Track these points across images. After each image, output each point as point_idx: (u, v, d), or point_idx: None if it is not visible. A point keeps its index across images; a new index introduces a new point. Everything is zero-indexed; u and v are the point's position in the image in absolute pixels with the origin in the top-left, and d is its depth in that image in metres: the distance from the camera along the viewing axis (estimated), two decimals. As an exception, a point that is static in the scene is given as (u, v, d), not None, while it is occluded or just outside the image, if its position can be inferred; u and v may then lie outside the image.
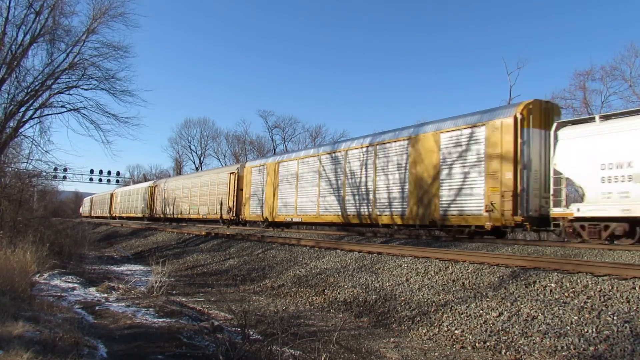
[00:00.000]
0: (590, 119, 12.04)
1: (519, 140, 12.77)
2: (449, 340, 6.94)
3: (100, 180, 61.69)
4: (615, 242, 11.14)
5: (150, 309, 8.23)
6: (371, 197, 17.01)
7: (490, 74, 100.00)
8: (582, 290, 7.15)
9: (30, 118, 17.98)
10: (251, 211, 25.02)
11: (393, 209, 16.22)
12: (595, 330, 6.03)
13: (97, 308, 8.44)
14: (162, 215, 37.90)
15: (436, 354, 6.42)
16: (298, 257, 13.83)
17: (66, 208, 67.51)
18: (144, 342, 6.02)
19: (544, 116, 13.27)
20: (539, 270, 8.31)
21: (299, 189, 21.22)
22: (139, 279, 12.36)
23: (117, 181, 65.65)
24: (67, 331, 5.65)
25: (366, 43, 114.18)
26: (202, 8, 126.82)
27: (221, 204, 27.84)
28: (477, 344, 6.60)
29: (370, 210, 16.98)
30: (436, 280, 9.28)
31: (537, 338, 6.25)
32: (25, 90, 17.23)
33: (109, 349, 5.70)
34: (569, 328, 6.24)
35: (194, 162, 70.97)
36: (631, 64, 31.44)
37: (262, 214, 23.90)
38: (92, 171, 59.90)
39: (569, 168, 12.02)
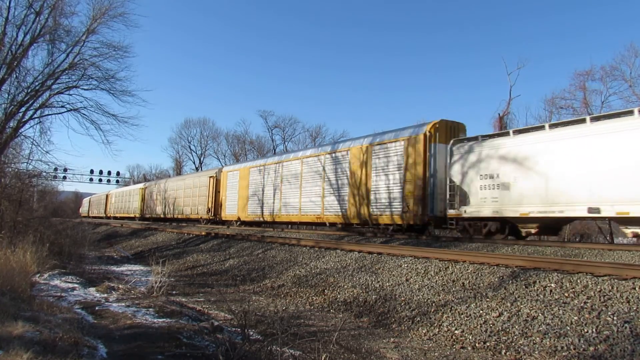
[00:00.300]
0: (475, 138, 14.72)
1: (428, 154, 15.46)
2: (449, 340, 6.94)
3: (100, 180, 61.69)
4: (492, 237, 13.90)
5: (150, 309, 8.23)
6: (321, 200, 20.10)
7: (490, 74, 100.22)
8: (582, 291, 7.15)
9: (31, 118, 17.99)
10: (227, 212, 27.77)
11: (337, 210, 19.18)
12: (595, 330, 6.03)
13: (97, 308, 8.44)
14: (152, 215, 40.60)
15: (436, 354, 6.42)
16: (298, 257, 13.83)
17: (66, 208, 67.53)
18: (144, 342, 6.02)
19: (449, 133, 15.91)
20: (538, 270, 8.31)
21: (265, 192, 24.17)
22: (139, 279, 12.36)
23: (117, 181, 65.63)
24: (67, 331, 5.65)
25: (366, 43, 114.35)
26: (202, 8, 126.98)
27: (201, 205, 31.12)
28: (477, 344, 6.60)
29: (321, 211, 20.11)
30: (436, 281, 9.28)
31: (537, 338, 6.25)
32: (26, 91, 17.23)
33: (109, 349, 5.70)
34: (569, 328, 6.24)
35: (194, 162, 71.04)
36: (631, 64, 31.47)
37: (236, 214, 26.76)
38: (92, 171, 59.94)
39: (459, 177, 14.67)
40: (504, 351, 6.26)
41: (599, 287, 7.12)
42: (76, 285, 10.94)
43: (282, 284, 11.94)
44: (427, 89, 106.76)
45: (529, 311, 6.96)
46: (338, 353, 6.36)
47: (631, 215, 10.58)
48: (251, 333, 6.79)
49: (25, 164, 18.08)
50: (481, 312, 7.40)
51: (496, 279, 8.48)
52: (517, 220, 13.34)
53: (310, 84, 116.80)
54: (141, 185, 46.52)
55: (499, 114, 35.69)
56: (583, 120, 12.21)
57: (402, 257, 11.16)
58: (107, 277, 13.11)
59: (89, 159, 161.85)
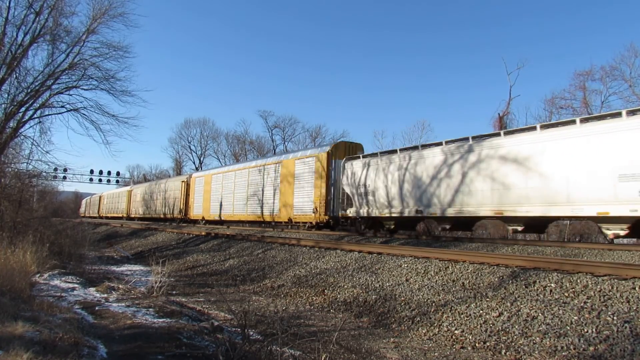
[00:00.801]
0: (357, 157, 19.01)
1: (329, 168, 20.17)
2: (449, 340, 6.94)
3: (100, 180, 61.47)
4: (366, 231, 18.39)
5: (150, 309, 8.23)
6: (262, 203, 24.97)
7: (490, 75, 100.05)
8: (582, 291, 7.16)
9: (30, 118, 17.96)
10: (194, 212, 32.52)
11: (272, 211, 24.04)
12: (595, 330, 6.03)
13: (97, 308, 8.44)
14: (137, 215, 44.94)
15: (436, 354, 6.43)
16: (298, 257, 13.83)
17: (66, 208, 67.49)
18: (144, 342, 6.02)
19: (347, 151, 20.89)
20: (538, 270, 8.31)
21: (223, 196, 28.65)
22: (139, 279, 12.36)
23: (117, 181, 65.43)
24: (67, 331, 5.65)
25: (367, 44, 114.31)
26: (203, 9, 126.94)
27: (174, 206, 35.83)
28: (477, 344, 6.60)
29: (262, 211, 24.97)
30: (436, 281, 9.28)
31: (537, 338, 6.25)
32: (26, 91, 17.20)
33: (109, 349, 5.70)
34: (568, 328, 6.24)
35: (193, 162, 71.08)
36: (631, 64, 31.53)
37: (202, 214, 31.19)
38: (92, 171, 59.67)
39: (348, 186, 18.95)
40: (504, 351, 6.26)
41: (599, 287, 7.12)
42: (76, 285, 10.94)
43: (282, 284, 11.94)
44: (428, 89, 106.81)
45: (529, 311, 6.96)
46: (338, 353, 6.36)
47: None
48: (251, 333, 6.79)
49: (25, 164, 18.08)
50: (481, 312, 7.40)
51: (496, 279, 8.49)
52: (379, 219, 17.91)
53: (310, 84, 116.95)
54: (128, 188, 50.90)
55: (499, 114, 35.74)
56: (416, 148, 16.78)
57: (402, 257, 11.17)
58: (107, 277, 13.11)
59: (89, 159, 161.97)
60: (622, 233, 11.14)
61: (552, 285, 7.60)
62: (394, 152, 17.64)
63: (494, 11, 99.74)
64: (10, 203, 14.80)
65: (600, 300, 6.76)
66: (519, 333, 6.52)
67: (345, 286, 10.41)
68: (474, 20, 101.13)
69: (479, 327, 7.00)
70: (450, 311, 7.77)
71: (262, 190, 24.85)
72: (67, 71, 18.03)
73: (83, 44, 18.15)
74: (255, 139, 66.19)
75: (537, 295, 7.44)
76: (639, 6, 64.95)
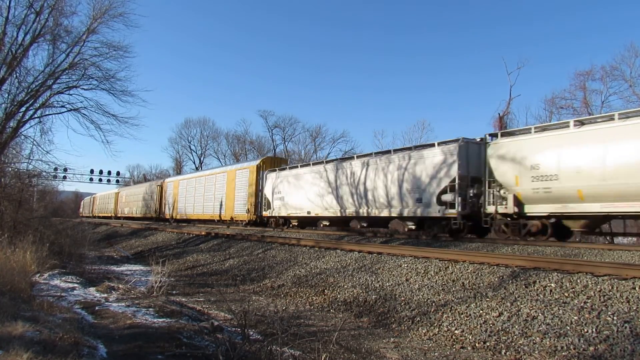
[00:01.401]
0: (274, 170, 24.47)
1: (258, 177, 25.67)
2: (449, 340, 6.94)
3: (100, 180, 61.44)
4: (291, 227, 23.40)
5: (150, 309, 8.23)
6: (213, 204, 30.33)
7: (491, 76, 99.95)
8: (582, 290, 7.16)
9: (31, 118, 17.96)
10: (166, 212, 38.33)
11: (220, 211, 29.41)
12: (595, 330, 6.03)
13: (97, 308, 8.44)
14: (122, 215, 50.04)
15: (436, 354, 6.42)
16: (298, 257, 13.83)
17: (66, 208, 67.64)
18: (144, 342, 6.02)
19: (274, 164, 26.56)
20: (539, 270, 8.31)
21: (186, 198, 34.83)
22: (139, 279, 12.36)
23: (117, 181, 65.43)
24: (67, 331, 5.66)
25: (367, 45, 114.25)
26: (203, 10, 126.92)
27: (152, 207, 41.83)
28: (477, 344, 6.60)
29: (213, 211, 30.25)
30: (436, 281, 9.28)
31: (537, 338, 6.25)
32: (26, 90, 17.20)
33: (109, 349, 5.70)
34: (568, 328, 6.24)
35: (194, 162, 71.11)
36: (631, 64, 31.50)
37: (171, 213, 37.04)
38: (92, 171, 59.64)
39: (269, 192, 24.26)
40: (504, 351, 6.26)
41: (599, 287, 7.12)
42: (76, 285, 10.95)
43: (282, 283, 11.94)
44: (428, 89, 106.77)
45: (529, 311, 6.96)
46: (338, 353, 6.36)
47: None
48: (251, 333, 6.79)
49: (26, 163, 18.07)
50: (481, 312, 7.40)
51: (496, 279, 8.49)
52: (291, 218, 23.20)
53: (310, 85, 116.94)
54: (115, 190, 56.01)
55: (499, 114, 35.72)
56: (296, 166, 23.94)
57: (402, 257, 11.16)
58: (107, 277, 13.11)
59: (89, 159, 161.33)
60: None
61: (552, 285, 7.60)
62: (306, 165, 23.31)
63: (494, 12, 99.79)
64: (10, 203, 14.80)
65: (600, 300, 6.76)
66: (519, 333, 6.51)
67: (345, 286, 10.41)
68: (474, 21, 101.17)
69: (479, 327, 6.99)
70: (450, 311, 7.77)
71: (214, 194, 30.60)
72: (67, 71, 18.05)
73: (83, 43, 18.17)
74: (255, 139, 66.30)
75: (537, 295, 7.44)
76: (639, 6, 65.00)
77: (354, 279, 10.68)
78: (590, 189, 11.54)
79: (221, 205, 29.05)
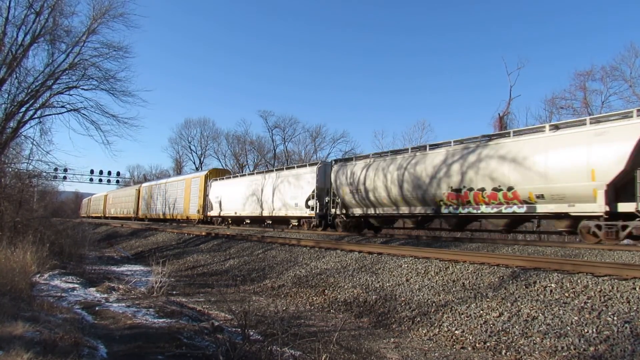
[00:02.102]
0: (215, 179, 31.20)
1: (206, 185, 31.70)
2: (449, 340, 6.94)
3: (100, 180, 61.43)
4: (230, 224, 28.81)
5: (151, 310, 8.23)
6: (175, 206, 37.16)
7: (491, 76, 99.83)
8: (582, 291, 7.15)
9: (31, 118, 17.95)
10: (142, 212, 45.04)
11: (181, 211, 36.07)
12: (596, 330, 6.03)
13: (97, 308, 8.44)
14: (109, 215, 56.45)
15: (436, 354, 6.42)
16: (298, 258, 13.83)
17: (66, 208, 67.64)
18: (144, 343, 6.02)
19: (218, 174, 33.23)
20: (539, 270, 8.31)
21: (157, 201, 41.22)
22: (139, 279, 12.36)
23: (117, 181, 65.51)
24: (67, 331, 5.66)
25: (367, 46, 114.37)
26: (204, 12, 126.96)
27: (131, 207, 48.76)
28: (477, 345, 6.60)
29: (177, 212, 36.82)
30: (436, 281, 9.28)
31: (538, 338, 6.25)
32: (26, 91, 17.20)
33: (109, 349, 5.70)
34: (569, 328, 6.24)
35: (194, 163, 71.18)
36: (631, 64, 31.54)
37: (145, 214, 43.67)
38: (92, 171, 59.64)
39: (212, 197, 30.17)
40: (504, 351, 6.26)
41: (599, 287, 7.12)
42: (76, 286, 10.94)
43: (283, 284, 11.94)
44: (429, 90, 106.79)
45: (529, 311, 6.96)
46: (338, 353, 6.35)
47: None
48: (251, 333, 6.78)
49: (26, 164, 18.06)
50: (481, 312, 7.39)
51: (496, 279, 8.48)
52: (226, 217, 29.22)
53: (311, 86, 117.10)
54: (104, 193, 62.22)
55: (499, 114, 35.73)
56: (252, 174, 29.34)
57: (402, 257, 11.16)
58: (107, 277, 13.11)
59: (89, 159, 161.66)
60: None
61: (553, 285, 7.60)
62: (235, 177, 30.78)
63: (494, 13, 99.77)
64: (10, 203, 14.79)
65: (600, 300, 6.76)
66: (519, 333, 6.51)
67: (346, 286, 10.41)
68: (474, 21, 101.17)
69: (479, 327, 6.99)
70: (450, 311, 7.77)
71: (176, 197, 37.18)
72: (67, 71, 18.05)
73: (83, 44, 18.17)
74: (255, 139, 66.46)
75: (538, 295, 7.44)
76: (639, 6, 65.03)
77: (354, 279, 10.68)
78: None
79: (182, 206, 35.98)
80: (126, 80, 19.85)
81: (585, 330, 6.08)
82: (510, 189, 13.17)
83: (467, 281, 8.81)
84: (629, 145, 10.75)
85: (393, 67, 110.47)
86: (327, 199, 20.60)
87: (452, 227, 16.64)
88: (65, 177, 47.17)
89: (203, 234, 23.17)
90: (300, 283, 11.61)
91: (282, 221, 24.71)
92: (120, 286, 10.81)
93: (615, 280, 7.18)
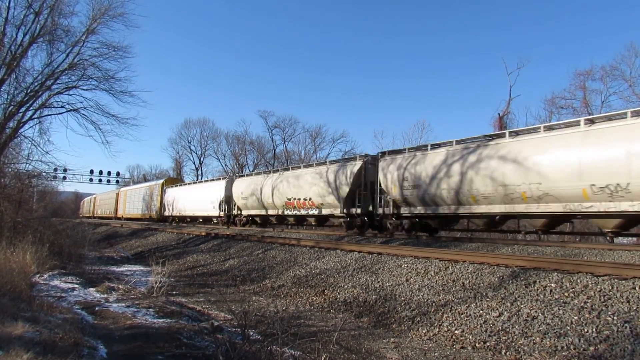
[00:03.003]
0: (169, 186, 39.47)
1: (162, 190, 39.93)
2: (449, 340, 6.94)
3: (100, 180, 61.45)
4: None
5: (150, 310, 8.23)
6: (143, 207, 44.10)
7: (491, 77, 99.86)
8: (582, 290, 7.16)
9: (30, 118, 17.91)
10: (119, 213, 51.16)
11: (146, 211, 43.20)
12: (596, 330, 6.03)
13: (97, 308, 8.44)
14: (97, 215, 62.42)
15: (436, 354, 6.42)
16: (298, 258, 13.83)
17: (66, 208, 67.57)
18: (144, 343, 6.02)
19: (173, 182, 42.37)
20: (539, 270, 8.31)
21: (130, 203, 48.14)
22: (139, 280, 12.35)
23: (117, 181, 65.53)
24: (67, 332, 5.65)
25: (367, 48, 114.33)
26: (203, 14, 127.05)
27: (112, 209, 55.81)
28: (477, 344, 6.60)
29: (146, 212, 43.01)
30: (436, 281, 9.28)
31: (537, 338, 6.25)
32: (25, 91, 17.17)
33: (109, 349, 5.70)
34: (569, 328, 6.24)
35: (193, 163, 71.26)
36: (631, 64, 31.61)
37: (122, 214, 49.93)
38: (92, 171, 59.67)
39: (166, 201, 38.14)
40: (504, 351, 6.26)
41: (599, 287, 7.12)
42: (76, 286, 10.94)
43: (282, 284, 11.94)
44: (429, 91, 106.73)
45: (529, 311, 6.96)
46: (338, 353, 6.35)
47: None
48: (251, 333, 6.78)
49: (25, 164, 18.03)
50: (481, 312, 7.40)
51: (496, 279, 8.49)
52: (178, 217, 35.78)
53: (311, 87, 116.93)
54: (94, 195, 68.63)
55: (499, 114, 35.74)
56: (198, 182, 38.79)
57: (402, 257, 11.16)
58: (107, 277, 13.11)
59: (89, 160, 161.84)
60: None
61: (552, 285, 7.60)
62: (183, 185, 39.43)
63: (494, 15, 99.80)
64: (10, 203, 14.78)
65: (600, 300, 6.76)
66: (519, 333, 6.51)
67: (346, 286, 10.41)
68: (474, 24, 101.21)
69: (479, 327, 6.99)
70: (450, 311, 7.77)
71: (143, 200, 44.33)
72: (66, 71, 18.01)
73: (83, 44, 18.13)
74: (255, 139, 66.51)
75: (537, 295, 7.44)
76: (639, 7, 65.12)
77: (354, 279, 10.68)
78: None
79: (147, 207, 43.55)
80: (126, 80, 19.76)
81: (585, 330, 6.08)
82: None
83: (467, 281, 8.81)
84: None
85: (393, 68, 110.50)
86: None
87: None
88: (64, 177, 47.25)
89: (203, 234, 23.16)
90: (300, 283, 11.61)
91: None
92: (120, 286, 10.80)
93: (615, 280, 7.18)
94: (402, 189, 16.09)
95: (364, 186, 18.31)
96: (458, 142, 14.77)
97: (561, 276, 7.81)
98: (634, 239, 17.79)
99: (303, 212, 21.79)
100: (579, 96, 33.70)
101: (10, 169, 17.53)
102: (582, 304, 6.75)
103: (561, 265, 8.26)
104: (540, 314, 6.78)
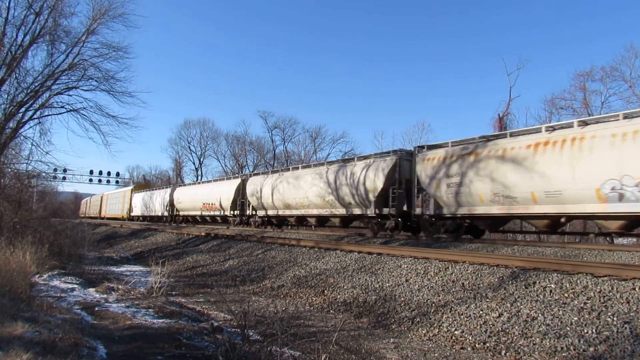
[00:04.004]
0: (137, 192, 48.20)
1: (132, 195, 48.36)
2: (449, 341, 6.93)
3: (99, 181, 61.41)
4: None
5: (150, 310, 8.22)
6: (121, 208, 51.90)
7: (491, 78, 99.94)
8: (582, 291, 7.16)
9: (30, 119, 17.91)
10: (102, 214, 58.58)
11: (123, 212, 50.54)
12: (595, 331, 6.03)
13: (96, 309, 8.43)
14: (88, 215, 66.60)
15: (436, 354, 6.42)
16: (298, 258, 13.83)
17: (65, 209, 67.63)
18: (144, 343, 6.02)
19: (141, 188, 50.91)
20: (538, 271, 8.31)
21: (111, 205, 55.79)
22: (139, 280, 12.35)
23: (117, 182, 65.56)
24: (66, 332, 5.65)
25: (368, 50, 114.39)
26: (203, 18, 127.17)
27: (97, 210, 62.93)
28: (476, 345, 6.60)
29: (122, 212, 50.62)
30: (436, 281, 9.28)
31: (537, 339, 6.25)
32: (25, 91, 17.17)
33: (109, 349, 5.70)
34: (568, 329, 6.24)
35: (193, 163, 71.25)
36: (631, 64, 31.59)
37: (105, 214, 57.47)
38: (91, 172, 59.66)
39: (139, 203, 45.37)
40: (503, 352, 6.26)
41: (598, 287, 7.12)
42: (76, 286, 10.93)
43: (282, 284, 11.93)
44: (429, 93, 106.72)
45: (528, 312, 6.96)
46: (338, 353, 6.35)
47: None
48: (251, 333, 6.78)
49: (25, 164, 18.04)
50: (481, 312, 7.39)
51: (496, 280, 8.48)
52: (147, 217, 43.31)
53: (311, 89, 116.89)
54: (89, 198, 73.47)
55: (499, 115, 35.74)
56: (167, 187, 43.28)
57: (401, 258, 11.16)
58: (107, 277, 13.10)
59: (89, 160, 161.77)
60: None
61: (552, 285, 7.60)
62: (151, 189, 45.40)
63: (494, 17, 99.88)
64: (9, 204, 14.78)
65: (600, 301, 6.76)
66: (518, 334, 6.51)
67: (345, 287, 10.41)
68: (474, 26, 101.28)
69: (478, 327, 6.99)
70: (450, 312, 7.76)
71: (122, 203, 50.95)
72: (66, 72, 18.02)
73: (83, 44, 18.14)
74: (255, 140, 66.51)
75: (537, 295, 7.44)
76: (639, 8, 65.19)
77: (354, 279, 10.67)
78: None
79: (124, 209, 50.37)
80: (126, 80, 19.85)
81: (585, 331, 6.08)
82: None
83: (467, 281, 8.81)
84: None
85: (393, 70, 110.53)
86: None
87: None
88: (64, 178, 47.33)
89: (202, 234, 23.15)
90: (300, 283, 11.61)
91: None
92: (120, 286, 10.80)
93: (615, 281, 7.19)
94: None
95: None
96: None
97: (561, 277, 7.80)
98: (634, 239, 17.80)
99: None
100: (579, 97, 33.73)
101: (10, 170, 17.54)
102: (582, 305, 6.75)
103: (561, 266, 8.26)
104: (540, 315, 6.78)
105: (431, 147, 16.06)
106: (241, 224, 27.56)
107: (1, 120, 16.72)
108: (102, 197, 62.06)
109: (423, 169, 15.54)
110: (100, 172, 60.12)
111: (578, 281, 7.49)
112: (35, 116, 17.98)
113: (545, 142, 12.27)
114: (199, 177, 67.08)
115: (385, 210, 16.81)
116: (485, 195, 13.47)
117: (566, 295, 7.20)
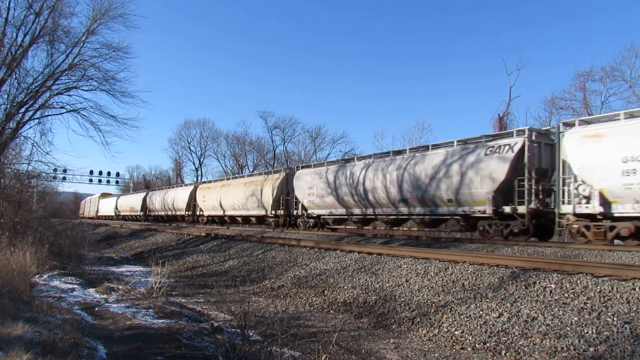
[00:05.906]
0: (103, 197, 66.18)
1: (99, 200, 65.60)
2: (449, 341, 6.93)
3: (99, 181, 61.59)
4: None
5: (150, 310, 8.22)
6: (91, 209, 70.03)
7: (491, 78, 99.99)
8: (582, 291, 7.15)
9: (30, 119, 17.92)
10: (98, 214, 64.44)
11: (95, 212, 68.39)
12: (595, 331, 6.03)
13: (96, 309, 8.43)
14: (85, 215, 71.44)
15: (436, 354, 6.42)
16: (298, 258, 13.82)
17: (66, 209, 67.78)
18: (144, 343, 6.01)
19: (106, 195, 66.74)
20: (538, 271, 8.31)
21: (102, 206, 64.03)
22: (139, 280, 12.35)
23: (117, 182, 65.70)
24: (66, 332, 5.64)
25: (368, 51, 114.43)
26: (202, 18, 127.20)
27: (93, 210, 69.14)
28: (477, 345, 6.60)
29: (93, 213, 67.54)
30: (436, 281, 9.28)
31: (537, 339, 6.25)
32: (25, 91, 17.17)
33: (109, 349, 5.69)
34: (569, 329, 6.24)
35: (193, 163, 71.23)
36: (631, 64, 31.57)
37: (92, 215, 65.55)
38: (91, 172, 59.82)
39: (101, 207, 64.56)
40: (504, 352, 6.26)
41: (599, 287, 7.12)
42: (76, 286, 10.92)
43: (282, 284, 11.93)
44: (429, 94, 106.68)
45: (529, 312, 6.96)
46: (338, 354, 6.35)
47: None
48: (251, 334, 6.78)
49: (25, 164, 18.04)
50: (481, 312, 7.39)
51: (496, 280, 8.48)
52: (122, 216, 54.90)
53: (311, 90, 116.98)
54: (85, 199, 78.25)
55: (499, 115, 35.72)
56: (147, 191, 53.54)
57: (402, 258, 11.16)
58: (107, 277, 13.10)
59: (89, 160, 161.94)
60: None
61: (552, 286, 7.60)
62: (115, 196, 61.40)
63: (493, 18, 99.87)
64: (10, 204, 14.77)
65: (600, 301, 6.76)
66: (519, 334, 6.51)
67: (345, 287, 10.41)
68: (474, 27, 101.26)
69: (479, 327, 6.99)
70: (450, 312, 7.76)
71: (93, 206, 62.85)
72: (66, 72, 18.03)
73: (83, 44, 18.15)
74: (255, 140, 66.42)
75: (537, 296, 7.44)
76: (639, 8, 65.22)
77: (354, 279, 10.67)
78: None
79: (95, 210, 61.57)
80: (126, 80, 19.88)
81: (585, 331, 6.08)
82: None
83: (467, 282, 8.81)
84: None
85: (393, 70, 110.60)
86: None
87: None
88: (64, 178, 47.46)
89: (203, 234, 23.15)
90: (300, 284, 11.61)
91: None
92: (120, 287, 10.79)
93: (615, 281, 7.19)
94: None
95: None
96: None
97: (561, 277, 7.80)
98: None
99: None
100: (579, 97, 33.70)
101: (10, 170, 17.53)
102: (582, 305, 6.75)
103: (561, 266, 8.26)
104: (540, 315, 6.78)
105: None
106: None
107: (1, 120, 16.72)
108: (90, 200, 72.51)
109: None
110: (100, 172, 60.28)
111: (578, 281, 7.49)
112: (35, 116, 18.01)
113: None
114: (199, 178, 67.11)
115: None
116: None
117: (566, 295, 7.19)
